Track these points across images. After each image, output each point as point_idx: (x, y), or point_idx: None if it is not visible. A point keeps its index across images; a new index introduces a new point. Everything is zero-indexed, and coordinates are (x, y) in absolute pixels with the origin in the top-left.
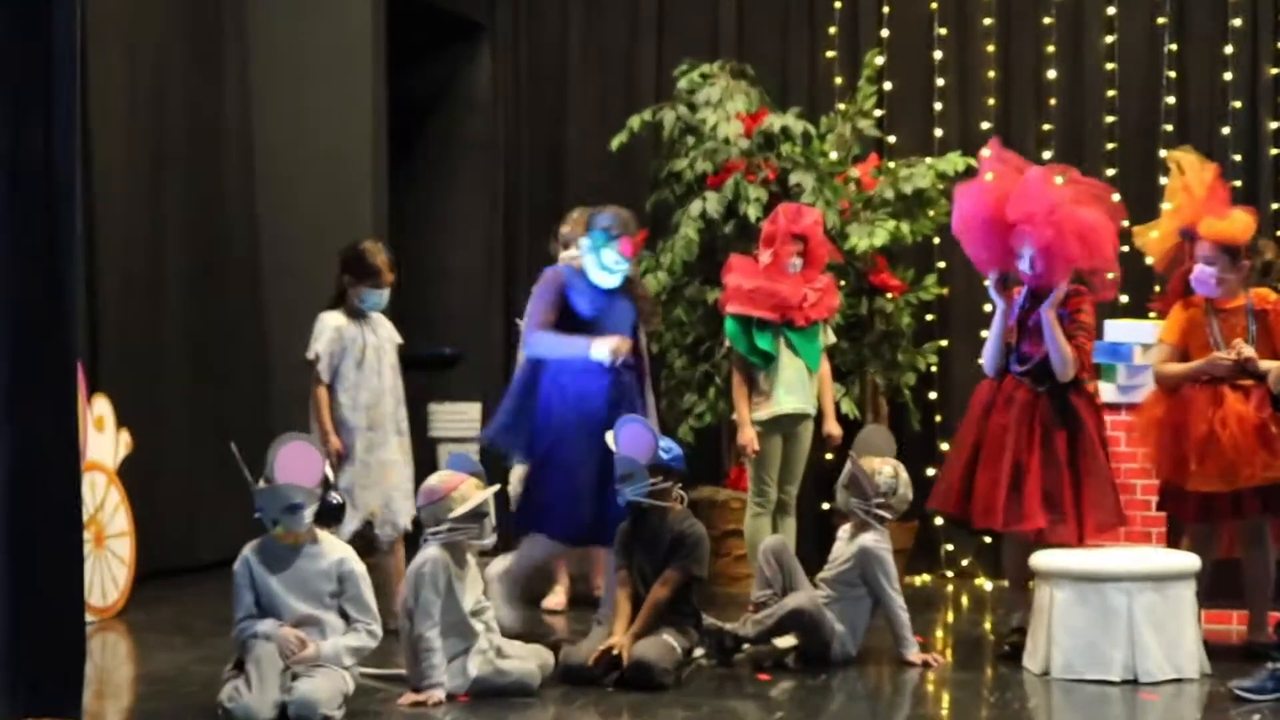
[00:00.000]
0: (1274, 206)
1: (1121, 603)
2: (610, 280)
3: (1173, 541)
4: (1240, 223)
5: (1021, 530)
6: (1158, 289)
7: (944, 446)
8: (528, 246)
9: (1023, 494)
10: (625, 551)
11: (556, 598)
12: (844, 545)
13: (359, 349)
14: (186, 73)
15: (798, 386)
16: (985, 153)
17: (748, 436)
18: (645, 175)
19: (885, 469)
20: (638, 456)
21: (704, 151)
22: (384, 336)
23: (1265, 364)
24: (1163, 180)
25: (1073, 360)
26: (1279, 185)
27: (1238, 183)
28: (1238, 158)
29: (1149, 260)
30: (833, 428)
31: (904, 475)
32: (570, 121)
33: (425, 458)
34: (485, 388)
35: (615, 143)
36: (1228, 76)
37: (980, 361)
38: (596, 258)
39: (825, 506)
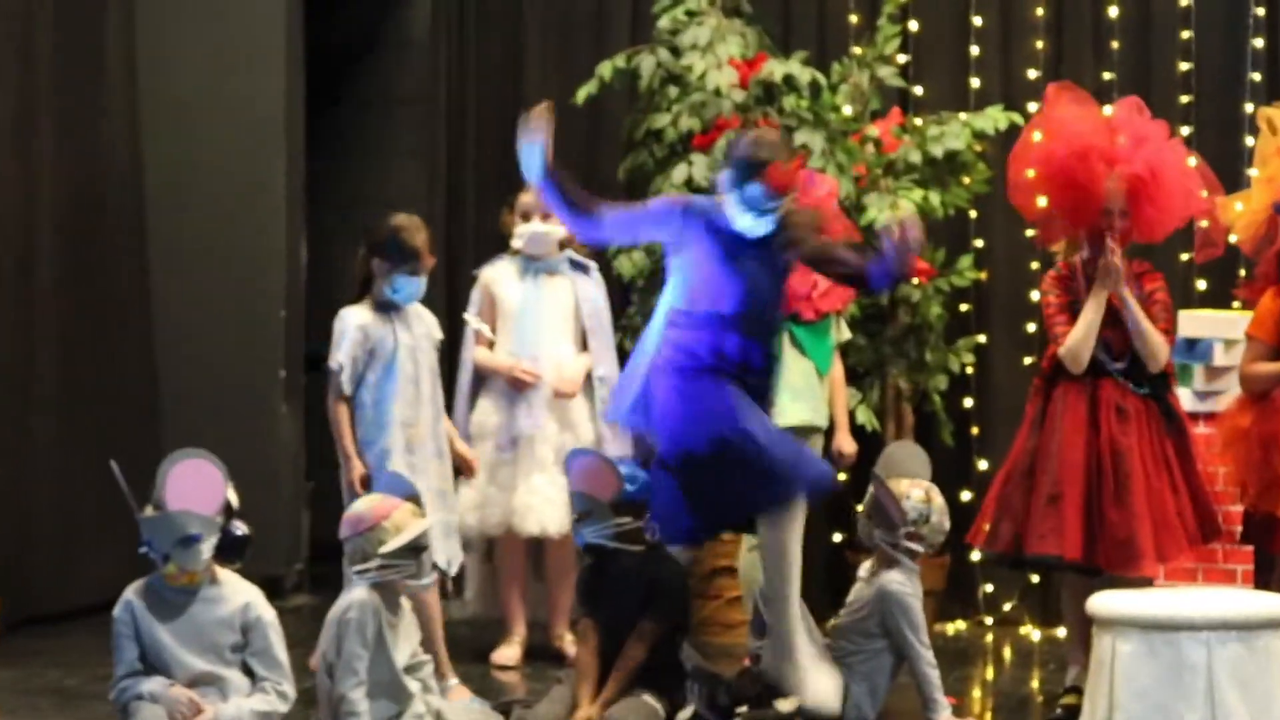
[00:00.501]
0: None
1: (1199, 656)
2: (761, 226)
3: (1261, 582)
4: None
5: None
6: (1243, 273)
7: (982, 465)
8: (474, 222)
9: (1166, 528)
10: (588, 601)
11: (510, 650)
12: (864, 587)
13: (389, 351)
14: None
15: (805, 393)
16: (1034, 106)
17: None
18: (618, 134)
19: (915, 492)
20: (598, 494)
21: (690, 105)
22: (420, 334)
23: None
24: (1250, 141)
25: (1165, 346)
26: None
27: None
28: None
29: (1233, 239)
30: (846, 442)
31: (938, 500)
32: (526, 70)
33: None
34: None
35: (582, 95)
36: None
37: (1062, 352)
38: (741, 197)
39: (837, 538)
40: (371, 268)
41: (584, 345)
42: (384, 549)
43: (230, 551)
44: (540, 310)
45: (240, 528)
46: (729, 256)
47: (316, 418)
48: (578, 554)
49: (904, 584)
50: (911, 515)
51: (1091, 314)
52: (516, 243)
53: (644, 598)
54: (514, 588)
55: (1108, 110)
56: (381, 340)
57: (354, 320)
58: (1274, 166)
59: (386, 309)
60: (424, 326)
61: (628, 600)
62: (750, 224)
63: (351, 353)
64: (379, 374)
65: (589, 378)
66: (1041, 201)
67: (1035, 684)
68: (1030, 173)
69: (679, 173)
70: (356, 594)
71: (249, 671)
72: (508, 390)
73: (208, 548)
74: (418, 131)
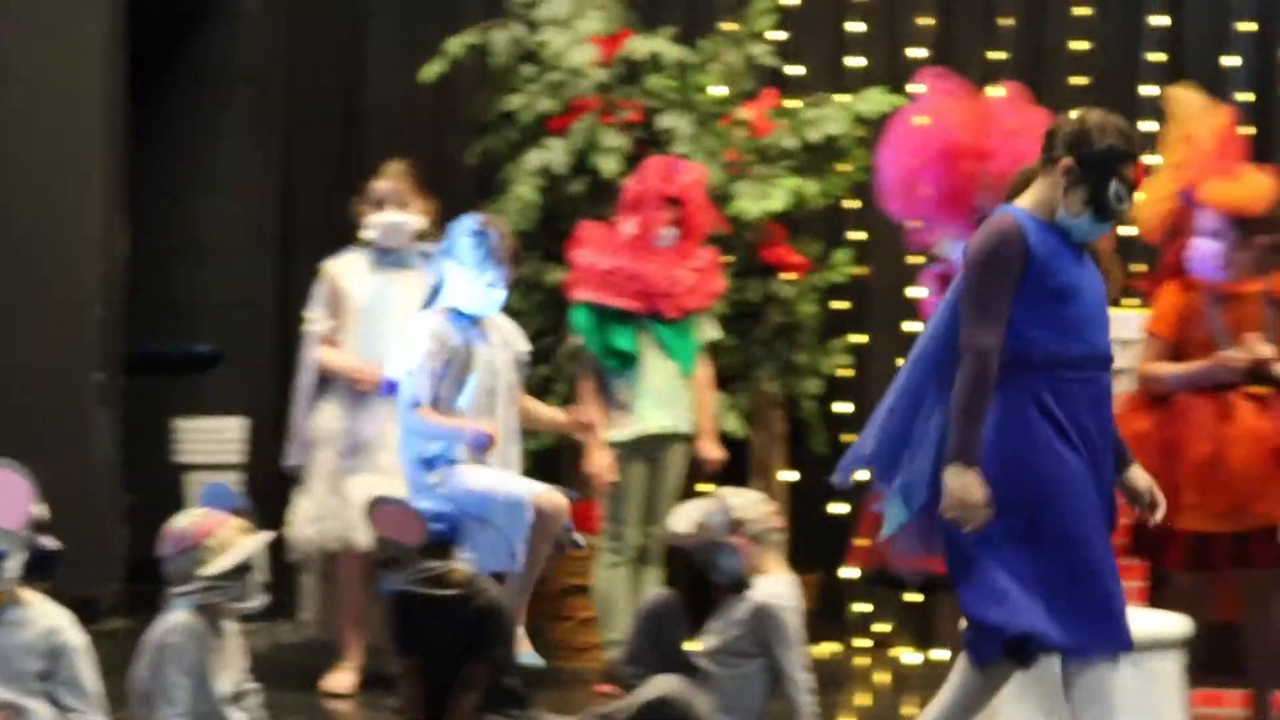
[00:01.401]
0: None
1: None
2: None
3: (1154, 599)
4: (1256, 187)
5: None
6: (1144, 266)
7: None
8: (313, 211)
9: None
10: (406, 648)
11: (344, 677)
12: (737, 602)
13: (462, 365)
14: None
15: (668, 397)
16: (918, 88)
17: (601, 462)
18: (469, 116)
19: (708, 505)
20: (404, 539)
21: (547, 85)
22: (498, 344)
23: None
24: (1147, 126)
25: None
26: None
27: (1249, 130)
28: (1247, 97)
29: (1134, 229)
30: (711, 450)
31: (736, 500)
32: (370, 46)
33: (169, 490)
34: (251, 399)
35: (430, 73)
36: None
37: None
38: None
39: None
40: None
41: None
42: (207, 570)
43: (38, 570)
44: (390, 308)
45: (49, 543)
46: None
47: (138, 424)
48: None
49: (782, 596)
50: (715, 522)
51: None
52: (369, 233)
53: (469, 636)
54: (350, 607)
55: (995, 90)
56: (458, 353)
57: (434, 326)
58: (1180, 153)
59: (462, 317)
60: (502, 336)
61: (448, 642)
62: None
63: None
64: (453, 392)
65: None
66: (918, 200)
67: (911, 710)
68: (902, 172)
69: (533, 158)
70: (176, 618)
71: (56, 701)
72: (351, 393)
73: (13, 566)
74: (251, 112)
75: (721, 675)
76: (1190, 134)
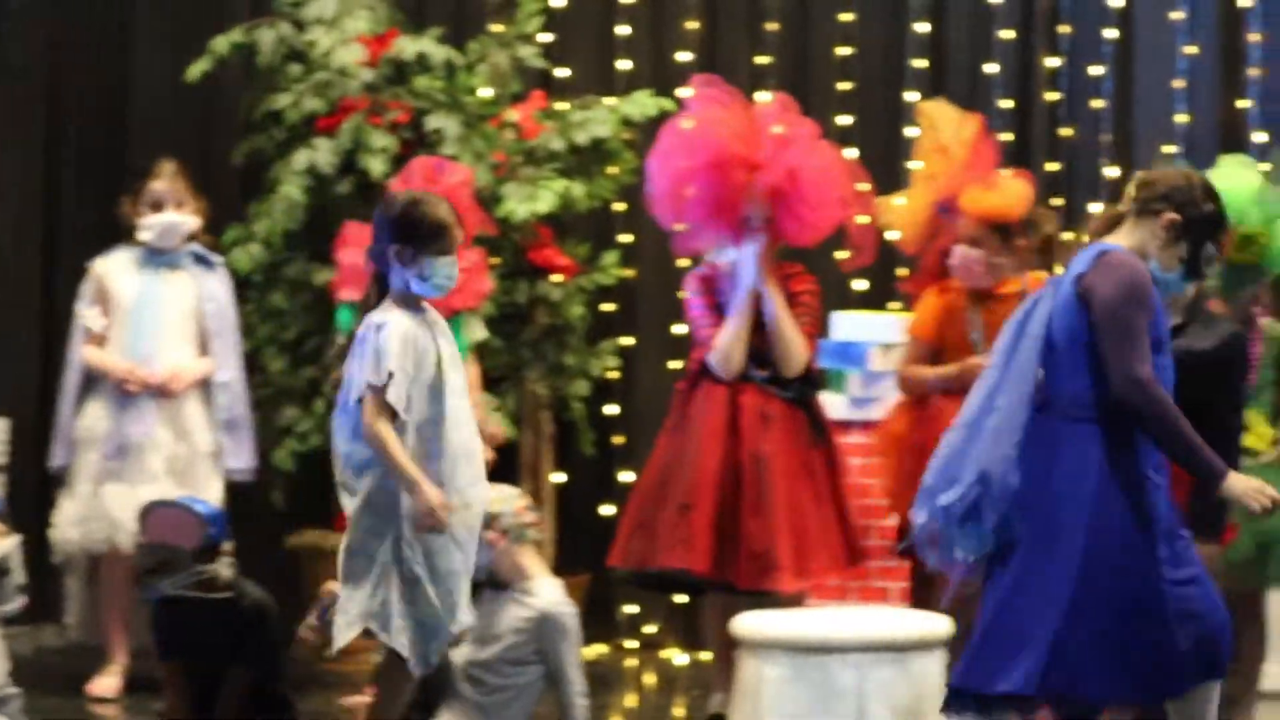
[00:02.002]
0: (1050, 167)
1: (850, 680)
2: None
3: (919, 600)
4: (1013, 193)
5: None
6: (904, 270)
7: (625, 476)
8: (77, 210)
9: (807, 542)
10: (170, 652)
11: (109, 680)
12: (514, 608)
13: (433, 364)
14: None
15: None
16: (686, 92)
17: None
18: (235, 116)
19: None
20: (180, 543)
21: (314, 85)
22: (449, 338)
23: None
24: (910, 131)
25: (804, 350)
26: (1056, 140)
27: (1009, 135)
28: (1008, 104)
29: (893, 235)
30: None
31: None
32: (134, 43)
33: None
34: (14, 400)
35: (195, 72)
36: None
37: (713, 356)
38: None
39: None
40: (388, 259)
41: (204, 347)
42: None
43: None
44: (159, 308)
45: None
46: None
47: None
48: None
49: (563, 602)
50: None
51: (741, 315)
52: (145, 235)
53: (237, 637)
54: (115, 611)
55: (762, 97)
56: (425, 351)
57: (400, 326)
58: (935, 164)
59: (414, 309)
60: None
61: (215, 645)
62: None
63: (403, 363)
64: (423, 393)
65: (207, 382)
66: (688, 209)
67: (679, 711)
68: (671, 179)
69: (300, 158)
70: None
71: None
72: (118, 394)
73: None
74: (11, 111)
75: (495, 687)
76: (943, 145)
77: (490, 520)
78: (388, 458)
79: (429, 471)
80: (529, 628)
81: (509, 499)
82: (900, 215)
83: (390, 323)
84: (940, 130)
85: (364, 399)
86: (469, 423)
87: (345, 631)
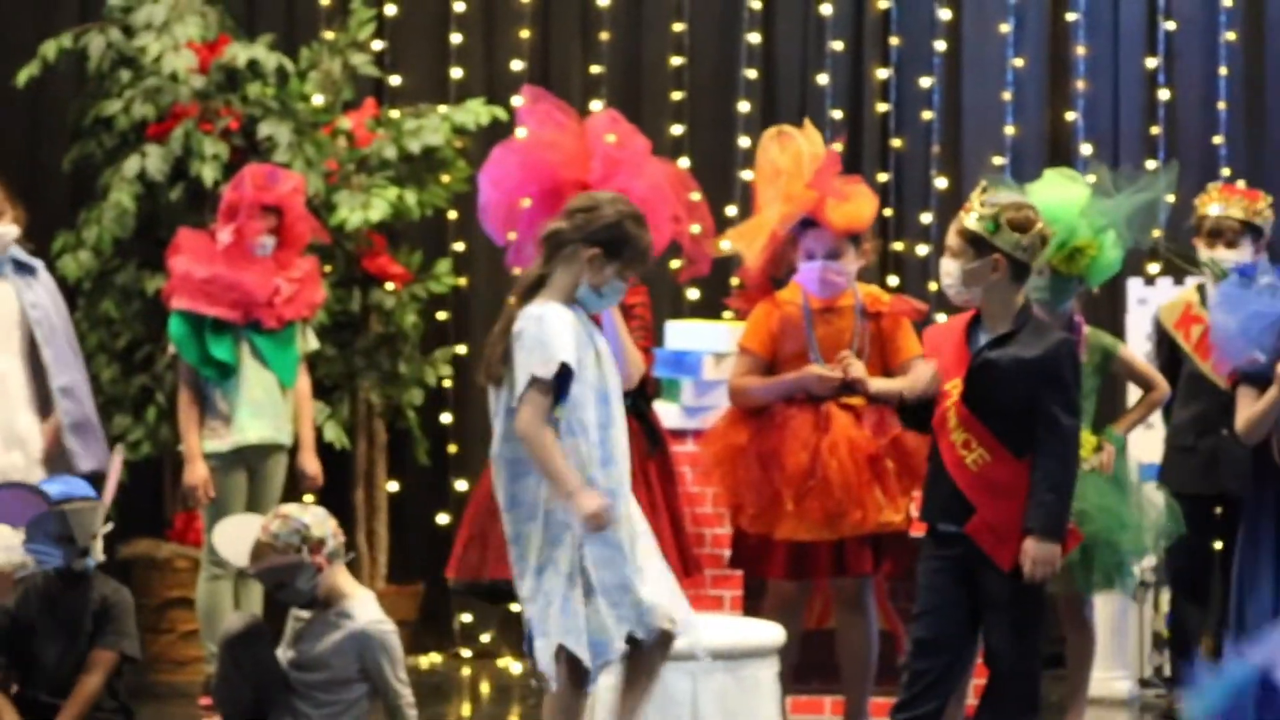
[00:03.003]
0: (881, 177)
1: (683, 688)
2: None
3: (751, 608)
4: (867, 200)
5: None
6: (735, 281)
7: (460, 485)
8: None
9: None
10: (27, 634)
11: None
12: (333, 632)
13: (593, 364)
14: None
15: (267, 408)
16: (518, 100)
17: (199, 474)
18: (64, 122)
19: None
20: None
21: (144, 91)
22: (604, 346)
23: (877, 382)
24: (743, 141)
25: (639, 364)
26: (886, 150)
27: (839, 146)
28: (838, 114)
29: (727, 245)
30: (310, 462)
31: (306, 518)
32: None
33: None
34: None
35: (22, 77)
36: (826, 10)
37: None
38: None
39: None
40: (576, 257)
41: (33, 355)
42: None
43: None
44: None
45: None
46: None
47: None
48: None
49: (382, 619)
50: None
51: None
52: None
53: (94, 623)
54: None
55: (595, 106)
56: (586, 351)
57: (565, 318)
58: (784, 185)
59: (572, 307)
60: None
61: (70, 630)
62: None
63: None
64: (589, 395)
65: (44, 390)
66: (520, 227)
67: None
68: (503, 198)
69: (130, 165)
70: None
71: None
72: None
73: None
74: None
75: (329, 701)
76: (779, 167)
77: (315, 545)
78: (543, 460)
79: (602, 478)
80: (350, 648)
81: (323, 521)
82: (741, 236)
83: (551, 314)
84: (774, 154)
85: (523, 394)
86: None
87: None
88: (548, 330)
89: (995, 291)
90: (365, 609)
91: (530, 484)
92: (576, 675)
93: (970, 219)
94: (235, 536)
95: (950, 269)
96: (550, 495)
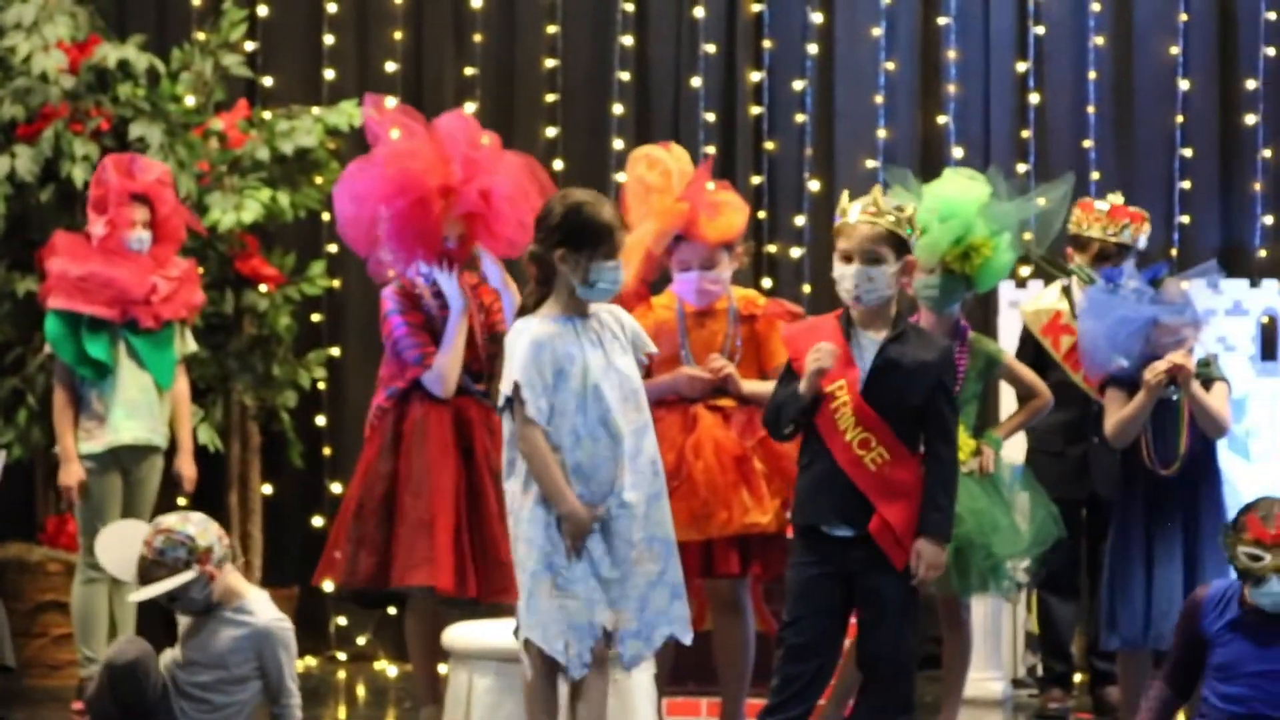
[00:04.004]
0: (754, 180)
1: (560, 690)
2: None
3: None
4: (738, 210)
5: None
6: None
7: (335, 488)
8: None
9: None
10: None
11: None
12: (229, 629)
13: (580, 373)
14: None
15: (143, 409)
16: (369, 111)
17: (74, 474)
18: None
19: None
20: None
21: (13, 91)
22: (612, 346)
23: (750, 384)
24: (617, 144)
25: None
26: (760, 153)
27: (710, 149)
28: (711, 117)
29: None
30: (187, 465)
31: (190, 529)
32: None
33: None
34: None
35: None
36: (699, 13)
37: (429, 377)
38: None
39: None
40: (551, 264)
41: None
42: None
43: None
44: None
45: None
46: None
47: None
48: None
49: (283, 619)
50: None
51: (458, 337)
52: None
53: None
54: None
55: (470, 107)
56: (570, 359)
57: (531, 334)
58: (654, 203)
59: (574, 313)
60: (616, 329)
61: None
62: None
63: (528, 373)
64: (571, 405)
65: None
66: (384, 239)
67: None
68: (362, 214)
69: (1, 165)
70: None
71: None
72: None
73: None
74: None
75: (223, 703)
76: (649, 184)
77: (203, 555)
78: (532, 464)
79: (594, 481)
80: (248, 645)
81: (207, 527)
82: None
83: (525, 329)
84: (652, 169)
85: (502, 409)
86: (632, 428)
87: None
88: (514, 348)
89: (894, 294)
90: (265, 607)
91: (511, 485)
92: (548, 666)
93: (887, 221)
94: (117, 547)
95: (874, 274)
96: (521, 495)
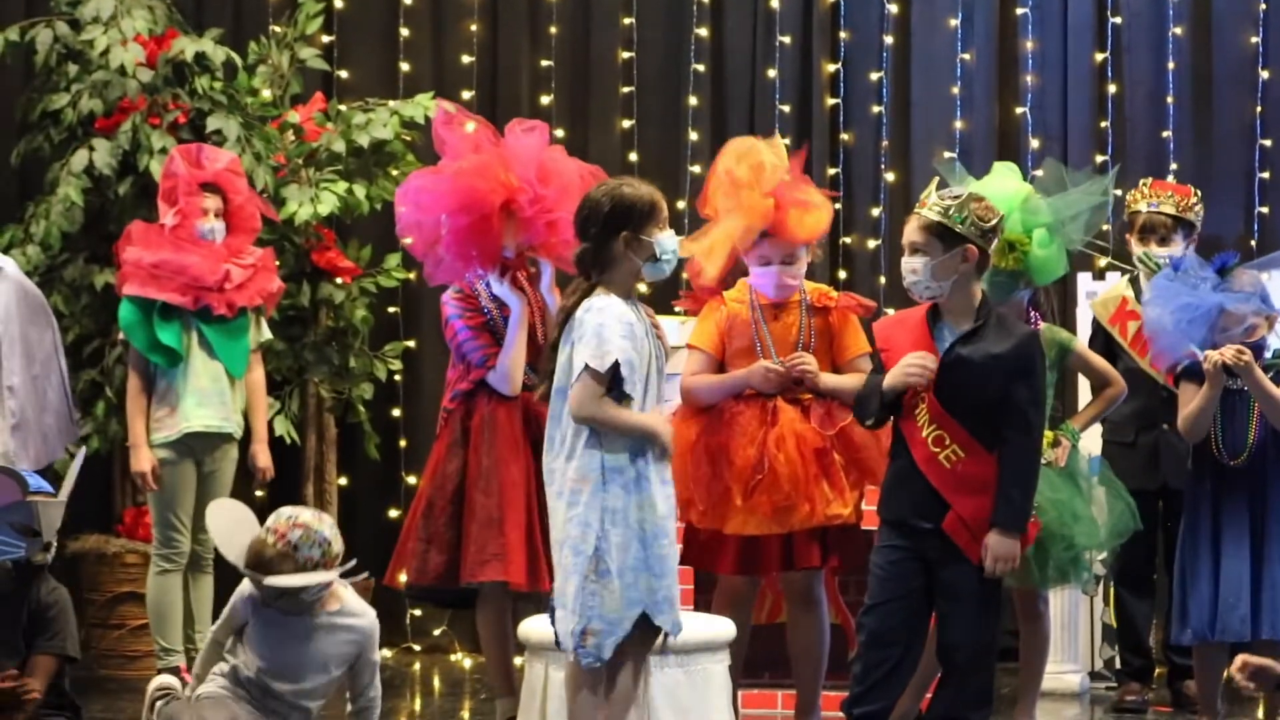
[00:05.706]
0: (831, 171)
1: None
2: None
3: (700, 603)
4: (827, 209)
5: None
6: (685, 278)
7: (411, 480)
8: None
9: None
10: None
11: None
12: (337, 633)
13: (647, 358)
14: None
15: (213, 397)
16: (442, 116)
17: (144, 460)
18: (11, 116)
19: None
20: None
21: (92, 85)
22: (655, 346)
23: (828, 377)
24: (692, 136)
25: None
26: (836, 144)
27: (786, 140)
28: (786, 108)
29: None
30: (262, 455)
31: (326, 530)
32: None
33: None
34: None
35: None
36: (775, 4)
37: (492, 379)
38: None
39: None
40: (609, 255)
41: None
42: None
43: None
44: None
45: None
46: None
47: None
48: None
49: (371, 611)
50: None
51: (521, 338)
52: None
53: (29, 627)
54: None
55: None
56: (641, 343)
57: (617, 310)
58: (742, 198)
59: (627, 297)
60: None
61: (8, 621)
62: None
63: (628, 353)
64: (641, 389)
65: None
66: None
67: (465, 714)
68: (428, 225)
69: (79, 159)
70: None
71: None
72: None
73: None
74: None
75: (312, 708)
76: (737, 178)
77: (333, 560)
78: (612, 424)
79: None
80: (354, 649)
81: (337, 533)
82: (707, 253)
83: (607, 308)
84: (741, 162)
85: (577, 379)
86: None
87: None
88: (606, 325)
89: (962, 284)
90: (363, 606)
91: (560, 464)
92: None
93: (933, 212)
94: (227, 526)
95: (917, 265)
96: (577, 479)
